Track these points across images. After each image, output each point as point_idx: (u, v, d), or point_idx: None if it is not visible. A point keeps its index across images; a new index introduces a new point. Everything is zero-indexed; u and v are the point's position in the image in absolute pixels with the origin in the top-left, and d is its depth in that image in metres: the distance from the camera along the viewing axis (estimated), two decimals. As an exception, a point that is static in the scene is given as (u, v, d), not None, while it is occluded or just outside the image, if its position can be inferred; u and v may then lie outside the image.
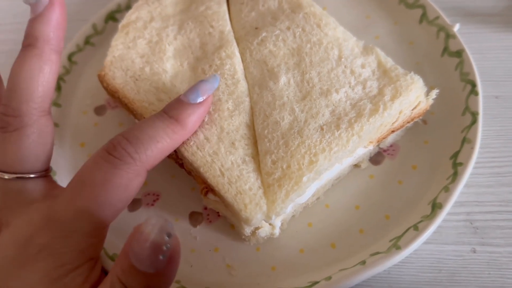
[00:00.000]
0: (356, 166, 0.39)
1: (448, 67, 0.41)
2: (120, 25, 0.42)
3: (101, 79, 0.39)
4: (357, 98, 0.34)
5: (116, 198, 0.27)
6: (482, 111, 0.37)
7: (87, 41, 0.49)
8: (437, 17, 0.43)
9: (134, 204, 0.40)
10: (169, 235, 0.22)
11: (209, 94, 0.31)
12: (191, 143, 0.34)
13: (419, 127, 0.39)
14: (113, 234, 0.38)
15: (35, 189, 0.28)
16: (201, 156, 0.33)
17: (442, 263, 0.35)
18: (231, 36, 0.40)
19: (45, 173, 0.29)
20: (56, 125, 0.44)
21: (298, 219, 0.37)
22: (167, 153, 0.30)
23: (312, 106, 0.34)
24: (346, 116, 0.34)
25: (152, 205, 0.39)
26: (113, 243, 0.37)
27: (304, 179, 0.32)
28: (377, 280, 0.35)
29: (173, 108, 0.30)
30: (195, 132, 0.34)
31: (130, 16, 0.43)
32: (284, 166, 0.32)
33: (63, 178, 0.41)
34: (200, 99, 0.31)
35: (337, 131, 0.33)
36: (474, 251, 0.36)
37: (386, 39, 0.45)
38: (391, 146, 0.39)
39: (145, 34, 0.41)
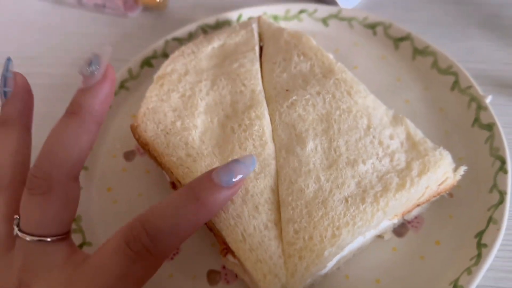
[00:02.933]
0: (379, 237, 0.38)
1: (477, 140, 0.41)
2: (155, 76, 0.44)
3: (133, 130, 0.40)
4: (384, 170, 0.34)
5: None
6: (510, 190, 0.36)
7: (122, 86, 0.51)
8: (470, 86, 0.43)
9: (154, 255, 0.40)
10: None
11: (243, 178, 0.29)
12: (215, 205, 0.34)
13: (445, 200, 0.39)
14: None
15: (56, 252, 0.28)
16: (224, 218, 0.33)
17: None
18: (261, 96, 0.40)
19: (66, 235, 0.29)
20: (85, 168, 0.45)
21: (317, 288, 0.37)
22: (186, 239, 0.28)
23: (338, 176, 0.34)
24: (372, 189, 0.33)
25: (172, 259, 0.39)
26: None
27: (326, 253, 0.31)
28: None
29: (202, 187, 0.28)
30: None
31: (165, 68, 0.44)
32: (306, 237, 0.32)
33: (88, 222, 0.42)
34: (232, 182, 0.28)
35: (362, 205, 0.33)
36: None
37: (416, 104, 0.46)
38: (415, 218, 0.39)
39: (179, 88, 0.42)
